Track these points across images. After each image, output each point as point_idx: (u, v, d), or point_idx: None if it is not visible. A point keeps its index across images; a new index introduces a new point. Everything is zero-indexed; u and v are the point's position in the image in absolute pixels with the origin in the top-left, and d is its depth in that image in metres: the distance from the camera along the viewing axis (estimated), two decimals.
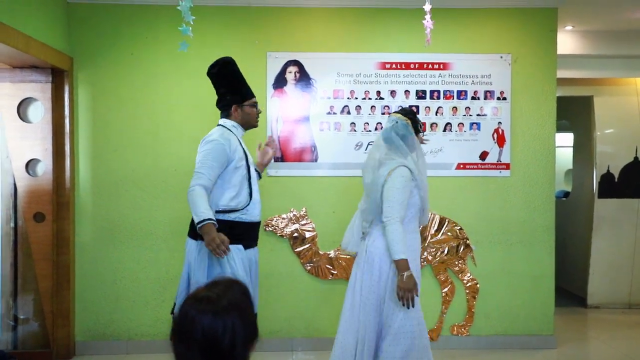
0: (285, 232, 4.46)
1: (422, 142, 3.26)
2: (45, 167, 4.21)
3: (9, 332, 4.22)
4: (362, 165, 3.34)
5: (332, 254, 4.50)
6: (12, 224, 4.22)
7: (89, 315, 4.41)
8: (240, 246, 3.11)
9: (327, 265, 4.50)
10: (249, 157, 3.27)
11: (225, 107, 3.29)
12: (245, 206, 3.14)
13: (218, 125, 3.28)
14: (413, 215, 3.12)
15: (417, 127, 3.20)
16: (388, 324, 3.05)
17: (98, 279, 4.41)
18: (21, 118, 4.19)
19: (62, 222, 4.28)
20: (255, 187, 3.24)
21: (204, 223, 2.92)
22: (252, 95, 3.32)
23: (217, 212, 3.08)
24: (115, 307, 4.42)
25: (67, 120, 4.28)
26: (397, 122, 3.15)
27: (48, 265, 4.21)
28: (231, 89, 3.27)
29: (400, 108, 3.49)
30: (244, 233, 3.14)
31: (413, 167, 3.09)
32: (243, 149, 3.22)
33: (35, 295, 4.22)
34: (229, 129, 3.22)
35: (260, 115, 3.40)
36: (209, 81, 4.34)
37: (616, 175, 5.89)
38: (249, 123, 3.31)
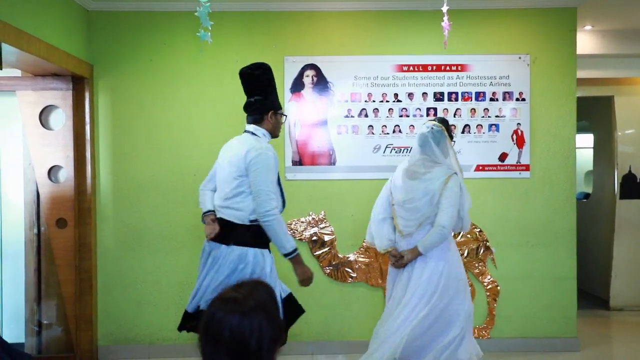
0: (304, 236, 4.47)
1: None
2: (67, 173, 4.26)
3: (33, 337, 4.27)
4: (398, 171, 3.54)
5: (351, 257, 4.49)
6: (35, 230, 4.27)
7: (111, 320, 4.45)
8: (266, 251, 3.10)
9: (347, 269, 4.49)
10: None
11: (258, 111, 3.14)
12: (281, 211, 3.09)
13: (246, 132, 3.17)
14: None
15: (450, 134, 3.45)
16: (441, 315, 3.28)
17: (120, 284, 4.45)
18: (43, 125, 4.25)
19: (84, 227, 4.33)
20: (280, 191, 3.18)
21: (296, 253, 3.06)
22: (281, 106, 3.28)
23: (252, 220, 3.03)
24: (137, 311, 4.45)
25: (87, 127, 4.33)
26: (432, 128, 3.40)
27: (71, 271, 4.25)
28: (271, 94, 3.18)
29: (434, 117, 3.79)
30: (267, 239, 3.11)
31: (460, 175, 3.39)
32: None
33: (59, 301, 4.27)
34: (259, 137, 3.12)
35: None
36: (228, 86, 4.39)
37: (638, 176, 5.82)
38: (275, 132, 3.22)
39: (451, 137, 3.45)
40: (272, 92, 3.19)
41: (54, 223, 4.24)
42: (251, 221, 3.02)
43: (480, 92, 4.53)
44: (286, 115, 3.32)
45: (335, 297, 4.51)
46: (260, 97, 3.14)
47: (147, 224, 4.46)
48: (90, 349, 4.34)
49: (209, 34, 2.88)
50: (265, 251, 3.08)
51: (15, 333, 4.28)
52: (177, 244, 4.45)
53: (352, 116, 4.51)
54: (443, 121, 3.47)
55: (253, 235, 3.03)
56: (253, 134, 3.14)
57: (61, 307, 4.27)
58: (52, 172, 4.27)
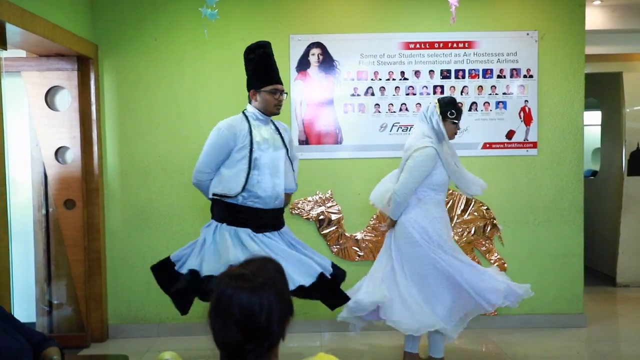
0: (311, 215, 4.47)
1: (452, 130, 3.57)
2: (73, 154, 4.27)
3: (44, 316, 4.32)
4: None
5: (358, 235, 4.50)
6: (43, 211, 4.30)
7: (120, 300, 4.50)
8: (248, 230, 3.15)
9: (354, 247, 4.51)
10: (262, 144, 3.20)
11: (248, 92, 3.29)
12: (237, 194, 3.13)
13: (242, 111, 3.31)
14: (435, 190, 3.51)
15: (446, 113, 3.52)
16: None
17: (128, 264, 4.49)
18: (49, 106, 4.25)
19: (92, 208, 4.35)
20: (263, 175, 3.17)
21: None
22: (274, 82, 3.24)
23: (214, 195, 3.23)
24: (146, 291, 4.49)
25: (93, 108, 4.33)
26: (428, 105, 3.57)
27: (80, 251, 4.28)
28: (254, 73, 3.25)
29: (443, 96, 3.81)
30: (250, 219, 3.16)
31: (439, 149, 3.46)
32: (251, 137, 3.17)
33: (69, 281, 4.31)
34: (245, 116, 3.25)
35: (282, 101, 3.31)
36: (233, 65, 4.37)
37: None
38: (267, 109, 3.26)
39: (445, 117, 3.52)
40: (259, 70, 3.23)
41: (62, 204, 4.27)
42: (212, 195, 3.26)
43: (487, 69, 4.50)
44: (281, 92, 3.26)
45: None
46: (248, 75, 3.29)
47: (154, 204, 4.47)
48: (100, 328, 4.39)
49: (215, 12, 2.86)
50: (214, 222, 3.24)
51: (26, 313, 4.32)
52: (184, 224, 4.46)
53: (358, 95, 4.48)
54: (442, 99, 3.58)
55: (211, 206, 3.32)
56: (243, 113, 3.29)
57: (71, 287, 4.31)
58: (59, 153, 4.28)
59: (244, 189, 3.13)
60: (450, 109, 3.53)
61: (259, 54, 3.23)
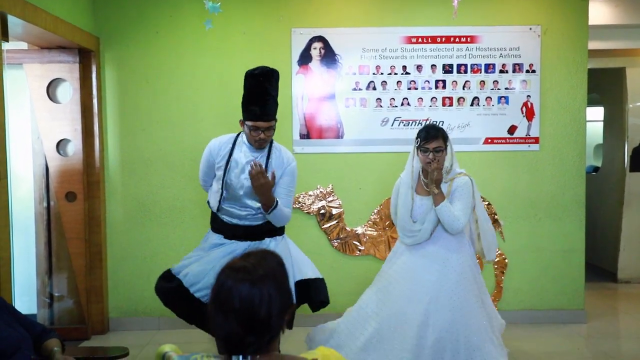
0: (312, 209, 4.47)
1: (424, 159, 3.13)
2: (75, 147, 4.27)
3: (45, 309, 4.33)
4: None
5: (359, 230, 4.50)
6: (45, 204, 4.30)
7: (121, 293, 4.50)
8: (220, 236, 3.23)
9: (354, 242, 4.51)
10: (235, 168, 3.09)
11: None
12: (216, 209, 3.19)
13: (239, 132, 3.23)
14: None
15: (416, 143, 3.15)
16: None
17: (129, 257, 4.49)
18: (50, 98, 4.24)
19: (93, 201, 4.35)
20: (228, 203, 3.13)
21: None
22: (255, 118, 2.97)
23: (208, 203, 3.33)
24: (147, 284, 4.48)
25: (95, 100, 4.32)
26: None
27: (81, 244, 4.29)
28: (242, 101, 3.06)
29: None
30: (222, 228, 3.22)
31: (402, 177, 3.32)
32: (228, 159, 3.08)
33: (70, 273, 4.31)
34: (235, 138, 3.16)
35: (265, 139, 3.05)
36: (235, 59, 4.38)
37: None
38: (250, 142, 3.08)
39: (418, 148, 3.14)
40: (245, 100, 3.03)
41: (63, 196, 4.26)
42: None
43: (489, 64, 4.48)
44: (255, 128, 2.99)
45: (342, 270, 4.53)
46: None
47: (155, 197, 4.47)
48: (101, 321, 4.40)
49: (218, 4, 2.85)
50: (210, 232, 3.31)
51: (27, 305, 4.33)
52: (185, 217, 4.47)
53: (360, 89, 4.47)
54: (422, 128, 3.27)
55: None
56: (240, 132, 3.20)
57: (72, 279, 4.32)
58: (61, 145, 4.28)
59: (219, 206, 3.17)
60: (417, 137, 3.15)
61: (251, 84, 3.01)
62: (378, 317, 3.17)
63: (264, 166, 3.03)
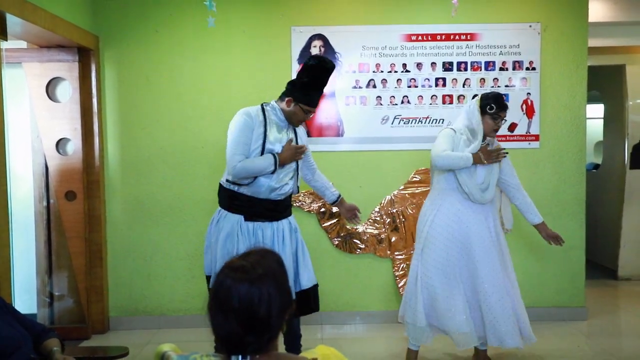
0: (312, 208, 4.47)
1: (491, 126, 3.40)
2: (74, 146, 4.27)
3: (45, 308, 4.32)
4: None
5: (359, 228, 4.50)
6: (44, 203, 4.30)
7: (121, 292, 4.50)
8: (239, 217, 3.17)
9: (355, 240, 4.50)
10: (273, 144, 3.17)
11: (285, 92, 3.22)
12: (248, 183, 3.14)
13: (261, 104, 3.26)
14: (451, 179, 3.42)
15: (485, 107, 3.39)
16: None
17: (129, 256, 4.49)
18: (50, 97, 4.24)
19: (93, 200, 4.34)
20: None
21: (273, 159, 3.10)
22: (312, 104, 3.19)
23: (227, 181, 3.20)
24: (147, 283, 4.49)
25: (94, 99, 4.32)
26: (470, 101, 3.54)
27: (81, 243, 4.28)
28: (305, 86, 3.16)
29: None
30: (244, 206, 3.17)
31: (458, 129, 3.43)
32: (265, 132, 3.14)
33: (70, 272, 4.31)
34: (263, 109, 3.20)
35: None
36: (235, 57, 4.37)
37: None
38: (290, 120, 3.23)
39: (484, 112, 3.39)
40: (308, 88, 3.15)
41: (63, 195, 4.26)
42: (224, 183, 3.24)
43: (489, 62, 4.47)
44: (310, 112, 3.22)
45: (343, 269, 4.53)
46: (297, 82, 3.19)
47: (155, 196, 4.47)
48: (101, 320, 4.40)
49: (215, 3, 2.84)
50: (223, 212, 3.23)
51: (27, 304, 4.33)
52: (186, 216, 4.46)
53: (360, 87, 4.46)
54: (484, 95, 3.45)
55: (218, 194, 3.31)
56: (262, 105, 3.23)
57: (72, 278, 4.32)
58: (60, 144, 4.28)
59: (254, 177, 3.13)
60: (490, 103, 3.38)
61: (317, 73, 3.16)
62: None
63: (293, 133, 3.27)
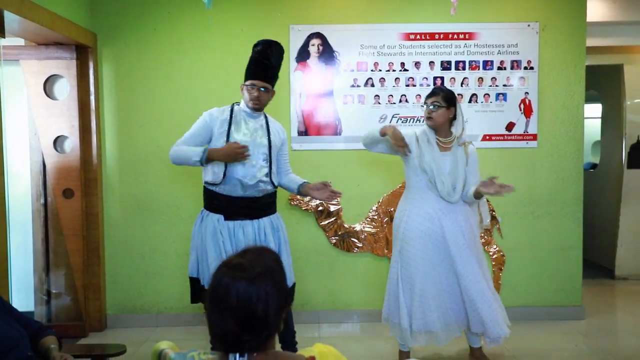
0: (310, 206, 4.47)
1: (425, 113, 3.46)
2: (72, 143, 4.26)
3: (42, 305, 4.32)
4: None
5: (357, 227, 4.50)
6: (42, 201, 4.29)
7: (119, 289, 4.50)
8: (219, 216, 3.20)
9: (353, 239, 4.50)
10: (235, 138, 3.18)
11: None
12: (220, 182, 3.17)
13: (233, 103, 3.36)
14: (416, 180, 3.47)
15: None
16: None
17: (127, 254, 4.48)
18: (47, 95, 4.23)
19: (90, 198, 4.34)
20: (235, 166, 3.16)
21: (205, 153, 3.12)
22: (253, 77, 3.18)
23: (206, 182, 3.27)
24: (145, 281, 4.49)
25: (92, 97, 4.31)
26: None
27: (78, 241, 4.28)
28: (246, 68, 3.25)
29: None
30: (222, 205, 3.21)
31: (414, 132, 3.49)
32: (229, 130, 3.18)
33: (67, 270, 4.31)
34: (232, 108, 3.27)
35: (260, 97, 3.21)
36: (233, 56, 4.37)
37: None
38: (247, 104, 3.25)
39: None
40: (248, 66, 3.24)
41: (60, 193, 4.26)
42: (204, 184, 3.31)
43: (488, 61, 4.48)
44: (259, 88, 3.18)
45: (341, 267, 4.53)
46: None
47: (153, 194, 4.47)
48: (98, 318, 4.40)
49: (212, 0, 2.84)
50: (205, 212, 3.28)
51: (24, 302, 4.32)
52: (183, 214, 4.46)
53: (358, 86, 4.46)
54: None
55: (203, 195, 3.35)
56: (235, 103, 3.33)
57: (69, 276, 4.31)
58: (58, 142, 4.27)
59: (224, 176, 3.17)
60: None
61: (255, 52, 3.22)
62: None
63: (264, 129, 3.28)
